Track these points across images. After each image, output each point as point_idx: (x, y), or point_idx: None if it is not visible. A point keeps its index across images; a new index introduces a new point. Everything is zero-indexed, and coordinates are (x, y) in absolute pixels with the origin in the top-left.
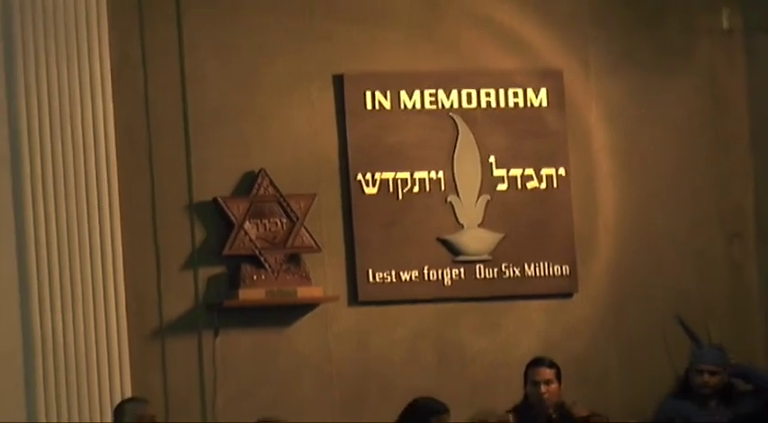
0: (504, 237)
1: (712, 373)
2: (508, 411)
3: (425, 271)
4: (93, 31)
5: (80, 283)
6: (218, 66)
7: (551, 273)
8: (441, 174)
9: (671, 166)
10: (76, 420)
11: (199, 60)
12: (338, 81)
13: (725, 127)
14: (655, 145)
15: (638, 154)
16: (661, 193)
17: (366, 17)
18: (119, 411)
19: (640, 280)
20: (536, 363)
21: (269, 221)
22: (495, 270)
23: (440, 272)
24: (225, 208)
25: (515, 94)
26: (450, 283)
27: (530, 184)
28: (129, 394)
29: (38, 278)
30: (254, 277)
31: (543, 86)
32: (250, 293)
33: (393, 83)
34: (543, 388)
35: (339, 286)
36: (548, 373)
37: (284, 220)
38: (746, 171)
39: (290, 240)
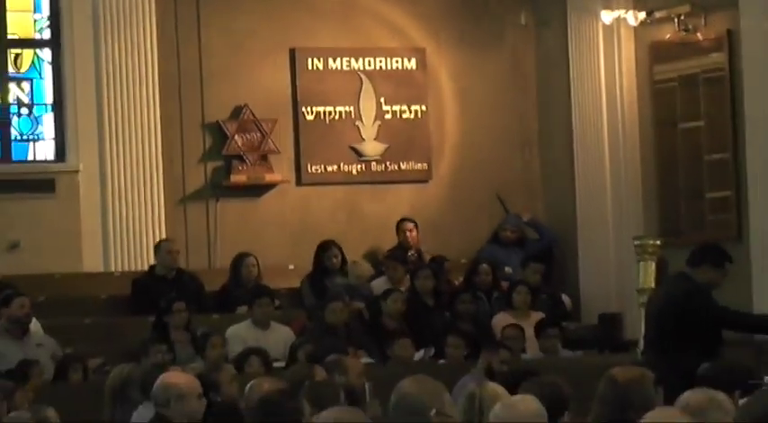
0: (389, 146)
1: (513, 231)
2: (389, 250)
3: (342, 165)
4: (147, 19)
5: (137, 172)
6: (220, 39)
7: (416, 168)
8: (351, 108)
9: (489, 105)
10: (133, 251)
11: (209, 36)
12: (292, 52)
13: (522, 84)
14: (479, 93)
15: (469, 98)
16: (483, 121)
17: (309, 12)
18: (157, 247)
19: (470, 172)
20: (403, 220)
21: (249, 135)
22: (383, 166)
23: (350, 166)
24: (223, 126)
25: (397, 62)
26: (356, 173)
27: (404, 115)
28: (164, 236)
29: (110, 172)
30: (240, 168)
31: (413, 57)
32: (238, 178)
33: (324, 53)
34: (408, 234)
35: (290, 174)
36: (410, 225)
37: (258, 135)
38: (533, 109)
39: (262, 146)
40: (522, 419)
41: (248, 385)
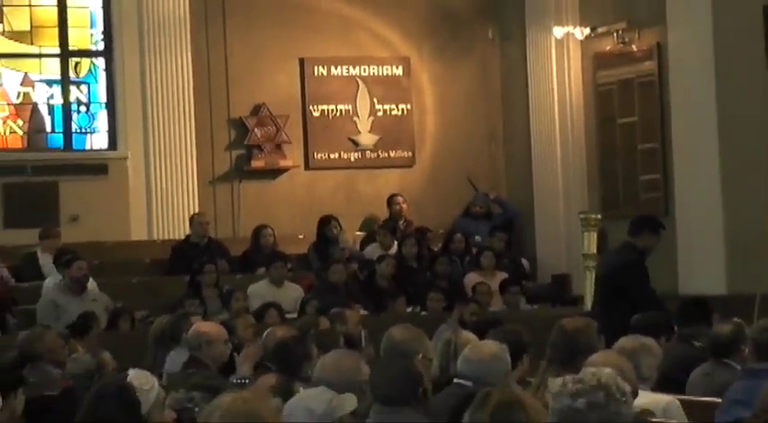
0: (380, 138)
1: (481, 207)
2: (384, 220)
3: (342, 153)
4: (183, 34)
5: (175, 158)
6: (243, 50)
7: (403, 155)
8: (349, 106)
9: (462, 107)
10: (172, 223)
11: (233, 47)
12: (301, 61)
13: (489, 89)
14: (454, 95)
15: (446, 100)
16: (457, 118)
17: (315, 28)
18: (191, 219)
19: (446, 159)
20: (394, 195)
21: (266, 128)
22: (376, 153)
23: (349, 154)
24: (245, 121)
25: (387, 69)
26: (353, 159)
27: (393, 113)
28: (197, 211)
29: (153, 158)
30: (259, 155)
31: (400, 65)
32: (257, 163)
33: (327, 62)
34: (398, 206)
35: (300, 160)
36: (401, 199)
37: (273, 128)
38: (498, 108)
39: (277, 138)
40: (487, 359)
41: (266, 332)
